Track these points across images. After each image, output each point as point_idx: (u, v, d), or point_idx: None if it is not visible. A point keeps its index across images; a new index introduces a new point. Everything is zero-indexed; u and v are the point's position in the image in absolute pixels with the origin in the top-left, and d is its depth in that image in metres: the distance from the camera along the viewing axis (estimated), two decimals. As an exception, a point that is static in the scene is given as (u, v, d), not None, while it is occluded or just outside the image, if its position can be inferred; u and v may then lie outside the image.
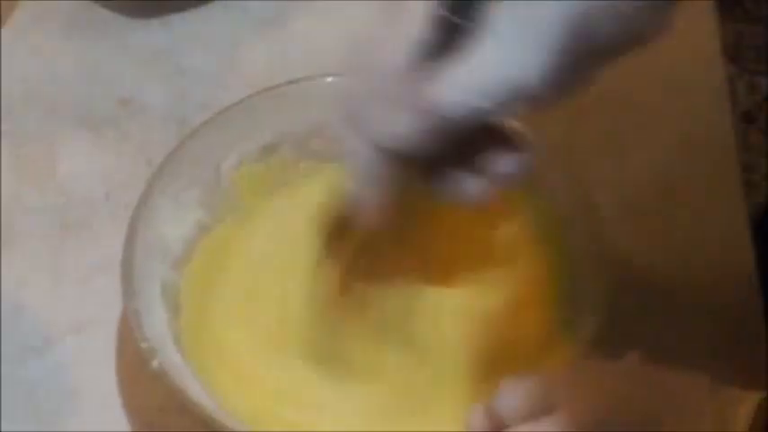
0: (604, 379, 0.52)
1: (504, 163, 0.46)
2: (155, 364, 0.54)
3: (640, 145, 0.69)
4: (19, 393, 0.60)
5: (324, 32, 0.75)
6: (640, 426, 0.50)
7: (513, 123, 0.58)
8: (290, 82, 0.64)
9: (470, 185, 0.46)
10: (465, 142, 0.45)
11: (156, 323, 0.56)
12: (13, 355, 0.61)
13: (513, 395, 0.51)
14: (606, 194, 0.67)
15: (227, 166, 0.63)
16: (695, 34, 0.73)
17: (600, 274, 0.57)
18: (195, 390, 0.54)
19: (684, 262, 0.64)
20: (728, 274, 0.64)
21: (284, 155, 0.64)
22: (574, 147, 0.68)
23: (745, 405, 0.49)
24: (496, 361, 0.58)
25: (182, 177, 0.61)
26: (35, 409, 0.59)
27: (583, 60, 0.41)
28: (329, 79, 0.64)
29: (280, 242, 0.63)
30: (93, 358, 0.61)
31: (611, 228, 0.65)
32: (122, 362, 0.61)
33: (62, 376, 0.60)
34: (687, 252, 0.65)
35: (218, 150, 0.62)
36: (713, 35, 0.73)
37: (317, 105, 0.63)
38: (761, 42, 0.73)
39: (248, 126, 0.63)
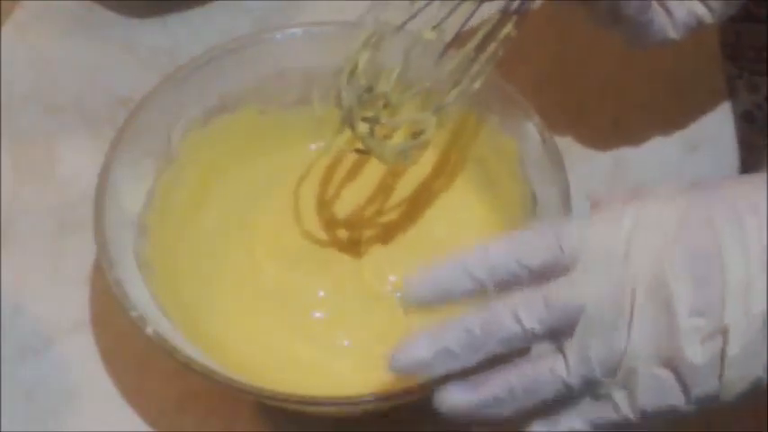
0: None
1: None
2: (149, 330, 0.54)
3: (640, 145, 0.69)
4: (19, 393, 0.60)
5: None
6: None
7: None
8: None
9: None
10: None
11: (139, 292, 0.56)
12: (13, 355, 0.61)
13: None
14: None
15: (176, 134, 0.62)
16: (695, 34, 0.73)
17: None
18: (193, 351, 0.54)
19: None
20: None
21: (227, 118, 0.64)
22: (574, 145, 0.69)
23: None
24: None
25: (136, 148, 0.60)
26: (35, 409, 0.59)
27: None
28: (266, 36, 0.64)
29: (234, 203, 0.64)
30: (93, 358, 0.61)
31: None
32: (122, 362, 0.61)
33: (62, 376, 0.61)
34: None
35: (167, 117, 0.62)
36: (713, 35, 0.73)
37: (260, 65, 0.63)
38: (761, 42, 0.72)
39: (194, 91, 0.62)
